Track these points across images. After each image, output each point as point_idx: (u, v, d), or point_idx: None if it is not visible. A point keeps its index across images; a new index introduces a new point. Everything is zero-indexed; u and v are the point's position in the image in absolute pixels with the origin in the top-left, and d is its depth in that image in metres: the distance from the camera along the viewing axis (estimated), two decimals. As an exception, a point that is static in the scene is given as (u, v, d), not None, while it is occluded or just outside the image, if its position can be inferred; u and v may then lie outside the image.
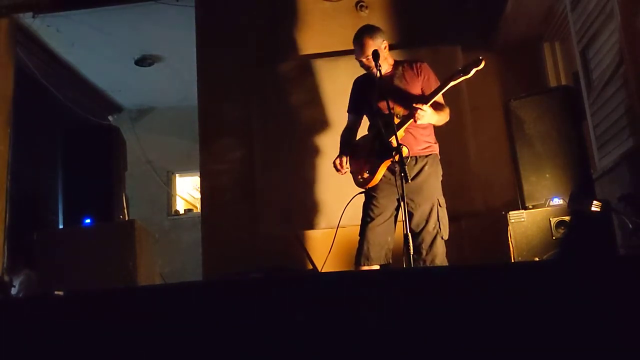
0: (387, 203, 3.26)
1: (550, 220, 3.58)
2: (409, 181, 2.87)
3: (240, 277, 4.37)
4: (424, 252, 3.15)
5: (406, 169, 2.84)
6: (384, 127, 3.16)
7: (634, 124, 3.14)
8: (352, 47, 5.04)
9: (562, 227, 3.55)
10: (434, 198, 3.24)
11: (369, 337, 1.65)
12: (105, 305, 1.86)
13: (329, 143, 4.65)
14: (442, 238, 3.18)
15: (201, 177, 5.17)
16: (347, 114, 3.58)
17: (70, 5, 5.39)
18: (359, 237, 3.32)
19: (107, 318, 1.81)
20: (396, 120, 3.14)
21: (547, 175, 3.78)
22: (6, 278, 4.67)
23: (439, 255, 3.16)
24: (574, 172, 3.69)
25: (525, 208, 3.78)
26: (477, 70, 3.18)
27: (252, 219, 4.81)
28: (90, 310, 1.85)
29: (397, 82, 3.35)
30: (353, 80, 3.61)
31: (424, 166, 3.30)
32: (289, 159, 4.87)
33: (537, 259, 3.52)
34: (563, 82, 4.78)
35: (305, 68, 5.08)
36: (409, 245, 2.77)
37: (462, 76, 3.18)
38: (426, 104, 3.12)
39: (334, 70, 5.03)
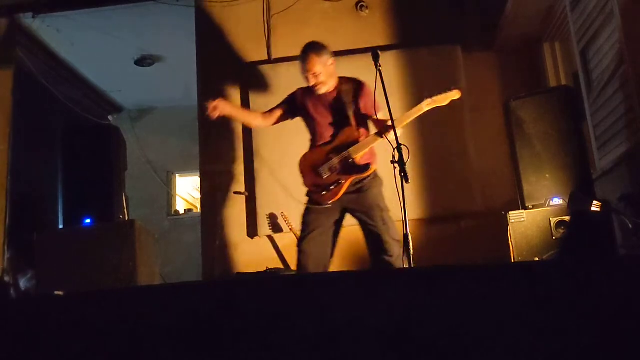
0: (328, 214, 3.36)
1: (550, 220, 3.58)
2: (409, 181, 2.87)
3: (240, 278, 4.38)
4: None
5: (406, 169, 2.84)
6: (346, 143, 3.32)
7: (634, 124, 3.14)
8: (353, 47, 5.06)
9: (562, 227, 3.55)
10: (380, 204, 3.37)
11: (369, 336, 1.65)
12: (105, 305, 1.86)
13: (329, 143, 4.65)
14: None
15: (201, 177, 5.17)
16: (276, 108, 3.64)
17: (70, 5, 5.39)
18: (297, 249, 3.41)
19: (107, 318, 1.81)
20: (356, 135, 3.32)
21: (547, 175, 3.78)
22: (6, 278, 4.67)
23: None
24: (574, 172, 3.69)
25: (525, 208, 3.78)
26: (452, 100, 3.30)
27: (252, 219, 4.82)
28: (90, 310, 1.85)
29: (345, 99, 3.42)
30: (296, 91, 3.62)
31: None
32: (289, 159, 4.87)
33: (537, 259, 3.52)
34: (563, 82, 4.77)
35: (305, 68, 5.08)
36: (409, 245, 2.77)
37: (435, 103, 3.28)
38: (398, 126, 3.18)
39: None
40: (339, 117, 3.41)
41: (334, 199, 3.30)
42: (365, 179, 3.34)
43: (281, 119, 3.63)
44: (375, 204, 3.33)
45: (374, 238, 3.30)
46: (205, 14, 5.31)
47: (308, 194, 3.44)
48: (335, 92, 3.46)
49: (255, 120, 3.83)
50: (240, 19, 5.27)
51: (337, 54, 5.10)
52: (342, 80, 3.49)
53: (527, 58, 5.08)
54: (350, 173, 3.31)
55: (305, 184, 3.42)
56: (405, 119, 3.29)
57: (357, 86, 3.45)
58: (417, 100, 4.83)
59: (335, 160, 3.32)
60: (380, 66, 3.18)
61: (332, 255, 3.41)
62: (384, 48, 4.66)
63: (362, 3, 5.16)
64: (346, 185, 3.30)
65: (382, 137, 3.23)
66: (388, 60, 4.70)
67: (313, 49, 3.44)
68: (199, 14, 5.32)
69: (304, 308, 1.73)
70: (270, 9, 5.23)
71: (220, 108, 3.44)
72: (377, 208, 3.32)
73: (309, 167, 3.41)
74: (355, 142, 3.32)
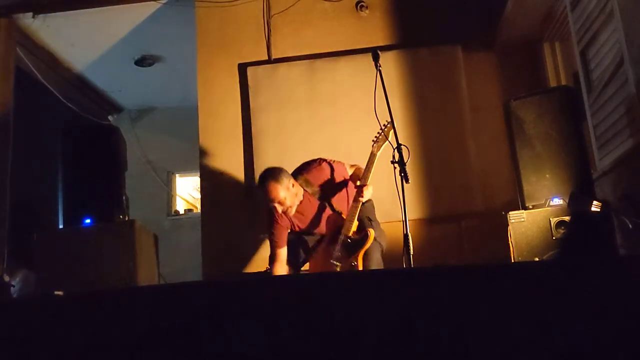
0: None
1: (550, 220, 3.58)
2: (409, 181, 2.88)
3: (240, 278, 4.38)
4: None
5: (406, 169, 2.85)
6: (335, 229, 3.39)
7: (634, 124, 3.14)
8: (352, 47, 5.07)
9: (562, 227, 3.55)
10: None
11: (369, 336, 1.65)
12: (105, 305, 1.86)
13: (329, 143, 4.66)
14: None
15: (201, 177, 5.18)
16: (279, 250, 3.51)
17: (70, 5, 5.39)
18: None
19: (107, 318, 1.81)
20: (339, 218, 3.42)
21: (547, 175, 3.78)
22: (6, 278, 4.67)
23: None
24: (574, 172, 3.69)
25: (525, 208, 3.78)
26: (391, 132, 3.33)
27: (252, 219, 4.81)
28: (90, 310, 1.85)
29: (312, 191, 3.49)
30: (269, 212, 3.53)
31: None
32: (289, 159, 4.87)
33: (537, 259, 3.52)
34: (563, 82, 4.77)
35: (305, 68, 5.08)
36: (409, 245, 2.77)
37: (381, 143, 3.34)
38: (365, 184, 3.34)
39: (334, 70, 5.04)
40: (319, 209, 3.49)
41: None
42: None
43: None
44: (365, 216, 3.44)
45: None
46: (205, 14, 5.31)
47: None
48: (305, 198, 3.48)
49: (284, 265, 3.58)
50: (240, 19, 5.27)
51: (337, 54, 5.16)
52: (300, 177, 3.49)
53: (527, 58, 5.08)
54: (357, 251, 3.33)
55: None
56: (368, 174, 3.38)
57: (312, 172, 3.51)
58: (417, 100, 4.88)
59: (337, 250, 3.33)
60: (380, 66, 3.18)
61: None
62: (384, 48, 4.67)
63: (362, 3, 5.16)
64: (360, 264, 3.31)
65: (359, 201, 3.33)
66: (388, 60, 4.70)
67: (272, 177, 3.39)
68: (199, 14, 5.32)
69: (304, 308, 1.73)
70: (270, 9, 5.23)
71: None
72: (365, 219, 3.42)
73: (321, 267, 3.41)
74: (341, 223, 3.37)
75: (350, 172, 3.57)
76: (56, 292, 2.53)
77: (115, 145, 4.41)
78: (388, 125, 3.34)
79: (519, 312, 1.64)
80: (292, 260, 3.48)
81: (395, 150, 2.94)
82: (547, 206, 3.69)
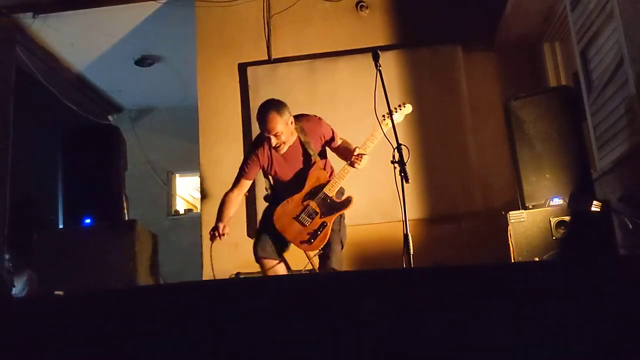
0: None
1: (550, 220, 3.58)
2: (409, 181, 2.87)
3: (240, 278, 4.38)
4: None
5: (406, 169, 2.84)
6: (317, 185, 3.27)
7: (634, 124, 3.14)
8: (352, 47, 5.05)
9: (562, 227, 3.55)
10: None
11: (369, 336, 1.65)
12: (105, 305, 1.86)
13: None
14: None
15: (201, 177, 5.18)
16: (244, 180, 3.36)
17: (70, 5, 5.39)
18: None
19: (107, 318, 1.81)
20: (325, 174, 3.30)
21: (547, 175, 3.78)
22: (6, 278, 4.67)
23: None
24: (574, 172, 3.69)
25: (525, 208, 3.77)
26: (405, 114, 3.33)
27: (252, 219, 4.81)
28: (90, 310, 1.85)
29: (304, 141, 3.33)
30: (254, 144, 3.42)
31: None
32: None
33: (537, 259, 3.52)
34: (563, 82, 4.77)
35: (305, 68, 5.09)
36: (409, 245, 2.77)
37: (391, 120, 3.18)
38: (365, 153, 3.21)
39: (334, 70, 5.04)
40: (303, 163, 3.33)
41: (323, 244, 3.23)
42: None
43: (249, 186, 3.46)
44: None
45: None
46: (205, 13, 5.31)
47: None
48: (295, 144, 3.33)
49: (235, 206, 3.41)
50: (240, 19, 5.27)
51: (337, 54, 5.16)
52: (297, 123, 3.34)
53: (527, 58, 5.08)
54: (333, 212, 3.25)
55: (289, 237, 3.24)
56: (369, 142, 3.27)
57: (310, 122, 3.37)
58: (417, 100, 4.88)
59: (313, 205, 3.24)
60: (380, 66, 3.17)
61: None
62: (384, 48, 4.67)
63: (362, 3, 5.16)
64: (331, 225, 3.23)
65: (354, 167, 3.22)
66: (388, 60, 4.71)
67: (274, 107, 3.25)
68: (199, 14, 5.32)
69: (304, 308, 1.73)
70: (270, 9, 5.24)
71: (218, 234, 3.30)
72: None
73: (288, 220, 3.25)
74: (326, 181, 3.28)
75: (338, 142, 3.43)
76: (56, 292, 2.53)
77: (115, 145, 4.41)
78: (403, 106, 3.33)
79: (519, 312, 1.64)
80: (263, 253, 3.28)
81: (395, 150, 2.93)
82: (547, 206, 3.69)
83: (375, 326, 1.65)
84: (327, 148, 3.43)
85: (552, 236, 3.56)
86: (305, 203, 3.26)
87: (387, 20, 5.16)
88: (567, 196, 3.50)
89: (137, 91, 7.30)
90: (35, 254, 4.06)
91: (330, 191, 3.26)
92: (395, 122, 3.17)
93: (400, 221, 2.87)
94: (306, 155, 3.34)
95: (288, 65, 5.13)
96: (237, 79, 5.18)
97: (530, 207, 3.77)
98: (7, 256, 4.76)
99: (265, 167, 3.34)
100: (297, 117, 3.37)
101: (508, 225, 3.68)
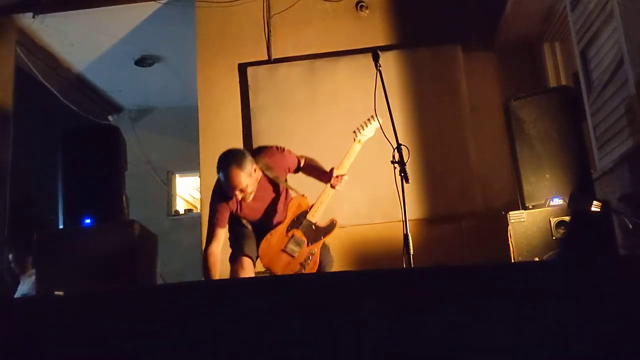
0: None
1: (550, 220, 3.57)
2: (409, 181, 2.87)
3: (240, 278, 4.37)
4: None
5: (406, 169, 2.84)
6: (299, 213, 3.22)
7: (634, 124, 3.14)
8: (352, 47, 5.05)
9: (562, 227, 3.54)
10: None
11: (369, 336, 1.65)
12: (105, 305, 1.86)
13: (329, 143, 4.65)
14: None
15: (201, 177, 5.18)
16: (219, 229, 3.19)
17: (70, 5, 5.39)
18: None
19: (107, 318, 1.81)
20: (306, 201, 3.24)
21: (547, 176, 3.77)
22: (6, 278, 4.67)
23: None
24: (574, 172, 3.69)
25: (525, 208, 3.77)
26: (376, 128, 3.27)
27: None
28: (90, 310, 1.85)
29: (272, 176, 3.24)
30: (214, 192, 3.26)
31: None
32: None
33: (537, 259, 3.52)
34: (563, 82, 4.77)
35: (305, 68, 5.09)
36: (409, 245, 2.76)
37: (362, 135, 3.24)
38: (343, 173, 3.18)
39: (334, 70, 5.04)
40: (273, 192, 3.24)
41: (314, 270, 3.17)
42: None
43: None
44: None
45: None
46: (205, 14, 5.31)
47: None
48: (261, 182, 3.19)
49: (218, 259, 3.22)
50: (240, 19, 5.27)
51: (337, 54, 5.16)
52: (260, 160, 3.20)
53: (527, 58, 5.08)
54: (319, 238, 3.20)
55: (278, 271, 3.14)
56: (345, 162, 3.25)
57: (274, 156, 3.25)
58: (417, 100, 4.88)
59: (299, 234, 3.18)
60: (380, 66, 3.17)
61: None
62: (384, 48, 4.68)
63: (362, 3, 5.16)
64: (319, 251, 3.19)
65: (334, 189, 3.18)
66: (388, 60, 4.71)
67: (235, 161, 3.04)
68: (199, 14, 5.32)
69: (303, 308, 1.73)
70: (270, 9, 5.24)
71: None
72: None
73: (275, 253, 3.16)
74: (308, 207, 3.22)
75: (302, 162, 3.35)
76: (56, 292, 2.52)
77: (115, 145, 4.40)
78: (371, 119, 3.28)
79: (519, 312, 1.64)
80: (250, 252, 3.15)
81: (395, 150, 2.93)
82: (547, 206, 3.69)
83: (375, 326, 1.65)
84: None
85: (552, 236, 3.55)
86: (290, 233, 3.19)
87: (387, 20, 5.16)
88: (567, 196, 3.50)
89: (137, 91, 7.30)
90: (35, 254, 4.06)
91: (314, 217, 3.21)
92: (367, 138, 3.20)
93: (400, 221, 2.87)
94: (275, 186, 3.26)
95: (288, 65, 5.13)
96: (237, 79, 5.18)
97: (530, 207, 3.77)
98: (10, 256, 4.75)
99: (234, 211, 3.20)
100: (259, 153, 3.24)
101: (508, 225, 3.67)
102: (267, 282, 2.37)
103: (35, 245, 4.01)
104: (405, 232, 2.79)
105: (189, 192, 8.09)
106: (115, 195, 4.25)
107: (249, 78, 5.12)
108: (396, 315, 1.67)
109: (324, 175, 3.24)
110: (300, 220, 3.20)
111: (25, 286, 4.55)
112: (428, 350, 1.61)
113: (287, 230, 3.20)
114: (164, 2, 5.38)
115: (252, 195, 3.12)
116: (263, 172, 3.18)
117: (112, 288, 3.43)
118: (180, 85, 6.81)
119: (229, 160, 3.05)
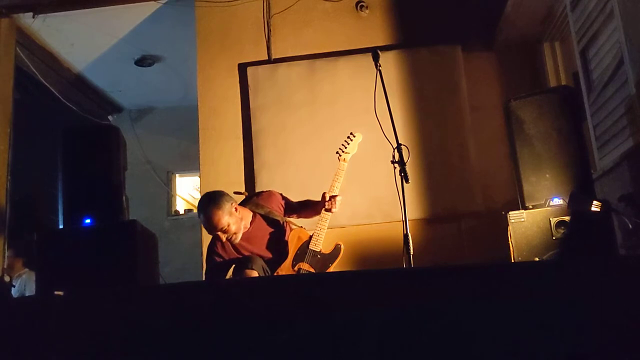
0: None
1: (550, 220, 3.57)
2: (409, 181, 2.87)
3: (240, 278, 4.37)
4: None
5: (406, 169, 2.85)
6: (301, 244, 3.21)
7: (634, 124, 3.14)
8: (352, 47, 5.05)
9: (562, 227, 3.54)
10: None
11: (369, 336, 1.65)
12: (105, 305, 1.86)
13: (329, 143, 4.65)
14: None
15: (201, 177, 5.18)
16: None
17: (70, 5, 5.39)
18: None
19: (107, 318, 1.81)
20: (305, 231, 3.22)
21: (547, 175, 3.77)
22: (6, 278, 4.67)
23: None
24: (574, 172, 3.68)
25: (525, 208, 3.77)
26: (357, 143, 3.31)
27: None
28: (90, 310, 1.85)
29: (267, 212, 3.25)
30: (210, 248, 3.29)
31: None
32: (289, 159, 4.88)
33: (537, 259, 3.52)
34: (563, 82, 4.77)
35: (305, 68, 5.09)
36: (409, 245, 2.76)
37: (346, 153, 3.25)
38: (336, 195, 3.18)
39: (334, 70, 5.04)
40: (273, 228, 3.23)
41: None
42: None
43: None
44: None
45: None
46: (205, 14, 5.31)
47: None
48: (255, 221, 3.21)
49: None
50: (240, 19, 5.27)
51: (337, 54, 5.16)
52: (248, 203, 3.24)
53: (527, 58, 5.08)
54: (327, 266, 3.18)
55: None
56: (335, 183, 3.26)
57: (262, 196, 3.30)
58: (417, 100, 4.88)
59: (305, 266, 3.16)
60: (380, 66, 3.18)
61: None
62: (384, 48, 4.68)
63: (362, 3, 5.16)
64: None
65: (331, 212, 3.19)
66: (388, 60, 4.71)
67: (212, 204, 3.07)
68: (199, 14, 5.32)
69: (304, 308, 1.73)
70: (270, 9, 5.24)
71: None
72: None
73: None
74: (309, 237, 3.21)
75: (292, 202, 3.38)
76: (56, 292, 2.52)
77: (115, 145, 4.40)
78: (351, 135, 3.30)
79: (519, 312, 1.64)
80: (256, 268, 3.10)
81: (395, 150, 2.93)
82: (547, 206, 3.69)
83: (375, 326, 1.65)
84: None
85: (552, 236, 3.55)
86: (296, 268, 3.16)
87: (387, 20, 5.16)
88: (567, 196, 3.50)
89: (137, 91, 7.30)
90: (35, 254, 4.05)
91: (317, 246, 3.19)
92: (351, 155, 3.23)
93: (400, 221, 2.88)
94: (273, 222, 3.25)
95: (288, 65, 5.13)
96: (237, 79, 5.18)
97: (530, 207, 3.76)
98: (7, 254, 4.76)
99: (234, 258, 3.18)
100: (248, 199, 3.29)
101: (508, 225, 3.67)
102: (268, 282, 2.37)
103: (35, 245, 4.01)
104: (405, 232, 2.79)
105: (189, 192, 8.09)
106: (115, 195, 4.24)
107: (249, 78, 5.12)
108: (397, 315, 1.67)
109: (317, 205, 3.23)
110: (303, 251, 3.19)
111: (16, 288, 4.56)
112: (428, 349, 1.61)
113: (293, 266, 3.17)
114: (164, 2, 5.38)
115: (239, 235, 3.13)
116: (254, 211, 3.20)
117: (112, 288, 3.43)
118: (180, 85, 6.81)
119: (207, 203, 3.11)
